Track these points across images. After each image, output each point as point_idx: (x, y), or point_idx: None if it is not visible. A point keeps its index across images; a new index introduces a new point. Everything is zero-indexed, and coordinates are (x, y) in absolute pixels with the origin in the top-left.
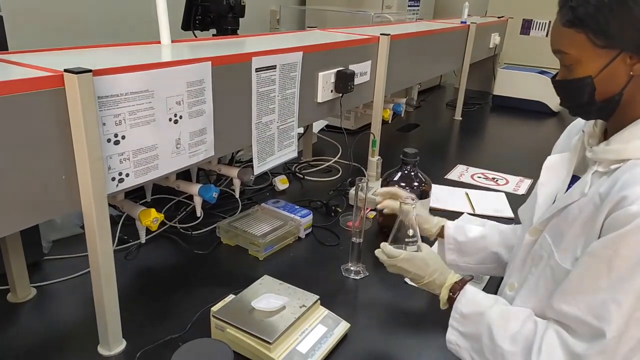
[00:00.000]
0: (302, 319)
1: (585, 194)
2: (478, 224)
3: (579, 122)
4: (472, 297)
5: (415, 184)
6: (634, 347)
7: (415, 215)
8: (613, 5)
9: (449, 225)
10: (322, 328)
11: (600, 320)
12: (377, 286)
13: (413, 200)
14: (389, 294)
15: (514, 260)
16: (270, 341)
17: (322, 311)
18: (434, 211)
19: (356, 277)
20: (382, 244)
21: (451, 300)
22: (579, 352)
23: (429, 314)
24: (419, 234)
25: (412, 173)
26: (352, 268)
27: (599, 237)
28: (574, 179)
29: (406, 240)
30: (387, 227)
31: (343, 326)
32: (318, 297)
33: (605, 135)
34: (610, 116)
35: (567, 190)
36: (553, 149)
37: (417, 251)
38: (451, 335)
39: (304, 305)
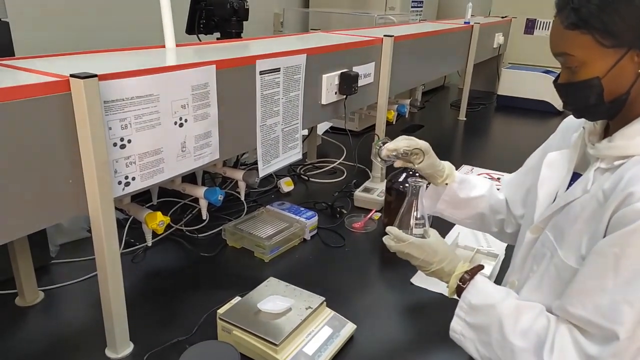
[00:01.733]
0: (308, 321)
1: (588, 190)
2: (480, 182)
3: (576, 119)
4: (482, 288)
5: None
6: None
7: (426, 189)
8: (617, 3)
9: (455, 178)
10: (328, 329)
11: (612, 321)
12: (383, 287)
13: (422, 180)
14: (395, 294)
15: (514, 259)
16: (277, 343)
17: (328, 313)
18: None
19: (387, 160)
20: (389, 227)
21: (460, 290)
22: (592, 354)
23: (436, 315)
24: (426, 217)
25: (417, 174)
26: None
27: (604, 235)
28: (575, 176)
29: (413, 222)
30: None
31: (349, 327)
32: (324, 298)
33: (606, 131)
34: (616, 115)
35: (568, 187)
36: (545, 145)
37: (423, 235)
38: (456, 325)
39: (310, 307)
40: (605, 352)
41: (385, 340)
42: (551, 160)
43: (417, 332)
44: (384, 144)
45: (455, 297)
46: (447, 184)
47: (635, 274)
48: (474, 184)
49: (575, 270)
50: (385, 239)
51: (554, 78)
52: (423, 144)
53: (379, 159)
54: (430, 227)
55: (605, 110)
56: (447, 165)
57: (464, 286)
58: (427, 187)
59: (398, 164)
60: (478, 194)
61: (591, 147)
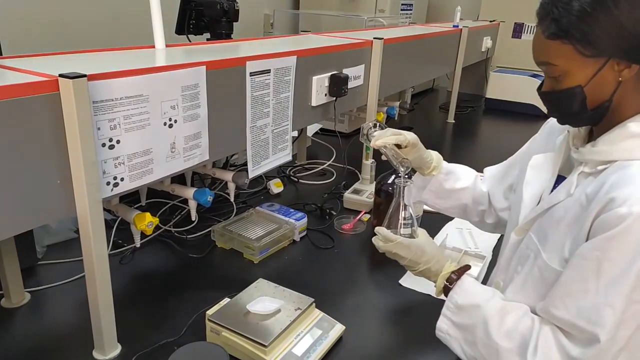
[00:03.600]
0: (297, 322)
1: (571, 194)
2: (465, 174)
3: None
4: (469, 288)
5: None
6: (622, 347)
7: (411, 184)
8: (596, 13)
9: (442, 169)
10: (317, 331)
11: (593, 324)
12: (372, 288)
13: (408, 178)
14: (384, 295)
15: (499, 259)
16: (266, 344)
17: (317, 314)
18: (429, 214)
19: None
20: (377, 228)
21: (447, 290)
22: (574, 355)
23: (424, 316)
24: (414, 216)
25: (407, 176)
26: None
27: (587, 239)
28: (559, 179)
29: (401, 222)
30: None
31: (338, 329)
32: (313, 299)
33: (591, 135)
34: (600, 122)
35: (552, 190)
36: (530, 144)
37: (412, 235)
38: (442, 324)
39: (299, 308)
40: (587, 354)
41: (374, 341)
42: (536, 163)
43: (406, 332)
44: (374, 125)
45: (443, 296)
46: (433, 174)
47: (617, 278)
48: (459, 175)
49: (559, 273)
50: (374, 239)
51: (540, 82)
52: (411, 137)
53: (367, 142)
54: (419, 227)
55: (588, 117)
56: (435, 155)
57: (451, 286)
58: (413, 175)
59: (385, 157)
60: (463, 186)
61: (575, 151)
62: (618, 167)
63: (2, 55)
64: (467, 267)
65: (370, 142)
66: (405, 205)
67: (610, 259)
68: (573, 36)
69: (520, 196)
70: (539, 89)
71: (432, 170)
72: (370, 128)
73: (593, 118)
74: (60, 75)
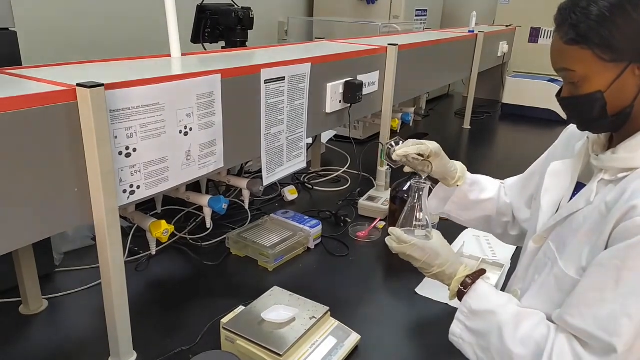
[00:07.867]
0: (312, 331)
1: (591, 202)
2: (489, 185)
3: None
4: (483, 293)
5: None
6: None
7: (427, 195)
8: (615, 18)
9: (467, 180)
10: (332, 340)
11: (611, 334)
12: (388, 297)
13: (425, 182)
14: (400, 304)
15: (518, 267)
16: (281, 353)
17: (333, 322)
18: (445, 221)
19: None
20: (391, 228)
21: (461, 294)
22: None
23: (440, 325)
24: (429, 219)
25: (421, 176)
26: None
27: (606, 247)
28: (579, 186)
29: (415, 224)
30: None
31: (354, 338)
32: (328, 308)
33: (611, 142)
34: (620, 128)
35: (571, 197)
36: (549, 152)
37: (426, 236)
38: (456, 328)
39: (314, 317)
40: None
41: (390, 351)
42: (555, 170)
43: (422, 342)
44: (396, 143)
45: (456, 300)
46: (458, 185)
47: (636, 287)
48: (484, 186)
49: (575, 281)
50: (387, 239)
51: (558, 87)
52: (434, 147)
53: (390, 160)
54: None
55: (609, 123)
56: (459, 166)
57: (465, 290)
58: (433, 187)
59: (408, 169)
60: (488, 197)
61: (595, 158)
62: (639, 174)
63: (21, 65)
64: (483, 272)
65: (391, 156)
66: (420, 207)
67: (629, 268)
68: (592, 41)
69: (539, 204)
70: (558, 95)
71: (457, 180)
72: (392, 146)
73: (614, 124)
74: (78, 85)
